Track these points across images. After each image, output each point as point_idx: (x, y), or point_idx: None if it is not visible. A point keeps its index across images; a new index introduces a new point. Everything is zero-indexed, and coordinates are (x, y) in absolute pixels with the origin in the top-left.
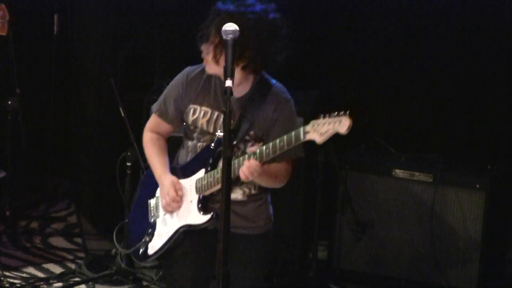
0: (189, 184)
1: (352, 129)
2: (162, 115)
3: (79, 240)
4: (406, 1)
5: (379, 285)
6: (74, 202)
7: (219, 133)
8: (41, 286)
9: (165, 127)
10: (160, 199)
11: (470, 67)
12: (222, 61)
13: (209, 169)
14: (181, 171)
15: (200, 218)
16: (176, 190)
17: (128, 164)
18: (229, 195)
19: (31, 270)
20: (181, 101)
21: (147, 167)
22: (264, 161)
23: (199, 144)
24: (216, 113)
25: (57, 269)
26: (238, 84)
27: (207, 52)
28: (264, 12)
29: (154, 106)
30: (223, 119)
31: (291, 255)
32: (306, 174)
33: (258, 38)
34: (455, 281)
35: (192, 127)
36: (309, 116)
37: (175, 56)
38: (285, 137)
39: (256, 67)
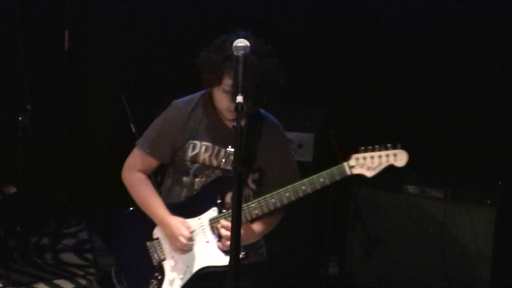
0: (199, 224)
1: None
2: (154, 152)
3: (90, 256)
4: (416, 17)
5: None
6: (85, 218)
7: (224, 167)
8: None
9: (153, 164)
10: (163, 240)
11: (481, 82)
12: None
13: (221, 208)
14: (181, 209)
15: (225, 259)
16: (188, 230)
17: None
18: (240, 212)
19: (42, 286)
20: (178, 137)
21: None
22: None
23: (197, 179)
24: (217, 147)
25: (68, 285)
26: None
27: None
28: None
29: (142, 143)
30: (235, 135)
31: (302, 271)
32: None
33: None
34: None
35: (189, 163)
36: (319, 132)
37: (186, 72)
38: (325, 173)
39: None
